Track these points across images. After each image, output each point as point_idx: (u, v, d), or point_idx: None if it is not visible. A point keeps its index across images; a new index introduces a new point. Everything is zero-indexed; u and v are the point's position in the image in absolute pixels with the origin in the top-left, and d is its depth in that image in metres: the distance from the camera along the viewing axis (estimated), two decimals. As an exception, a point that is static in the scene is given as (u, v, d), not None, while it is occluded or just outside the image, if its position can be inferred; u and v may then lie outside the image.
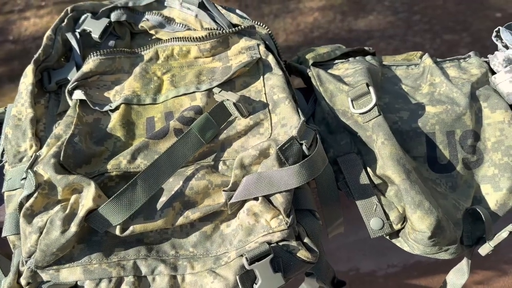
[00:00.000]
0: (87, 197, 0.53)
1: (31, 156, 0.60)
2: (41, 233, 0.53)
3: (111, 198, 0.53)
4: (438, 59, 0.73)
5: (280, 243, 0.54)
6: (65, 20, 0.70)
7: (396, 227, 0.61)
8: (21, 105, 0.64)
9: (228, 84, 0.64)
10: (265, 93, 0.63)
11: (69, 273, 0.54)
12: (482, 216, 0.61)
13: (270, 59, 0.65)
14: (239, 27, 0.67)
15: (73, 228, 0.52)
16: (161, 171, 0.55)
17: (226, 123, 0.61)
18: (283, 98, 0.61)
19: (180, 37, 0.67)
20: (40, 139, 0.63)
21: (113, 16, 0.71)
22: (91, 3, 0.72)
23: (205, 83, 0.64)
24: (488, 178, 0.65)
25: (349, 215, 0.68)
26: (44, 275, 0.53)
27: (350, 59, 0.72)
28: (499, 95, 0.68)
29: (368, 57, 0.73)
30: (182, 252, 0.56)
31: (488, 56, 0.71)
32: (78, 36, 0.69)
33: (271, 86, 0.63)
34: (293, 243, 0.54)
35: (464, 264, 0.66)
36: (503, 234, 0.61)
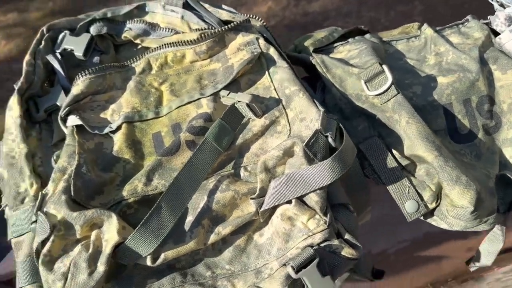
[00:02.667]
0: (110, 231, 0.48)
1: (34, 196, 0.55)
2: (66, 279, 0.48)
3: (137, 228, 0.48)
4: (437, 28, 0.71)
5: (322, 244, 0.51)
6: (43, 42, 0.64)
7: (431, 206, 0.59)
8: (11, 142, 0.58)
9: (233, 85, 0.60)
10: (274, 89, 0.59)
11: None
12: None
13: (272, 52, 0.61)
14: (234, 23, 0.62)
15: (101, 267, 0.47)
16: (184, 189, 0.51)
17: (240, 126, 0.57)
18: (296, 91, 0.58)
19: (172, 43, 0.62)
20: (39, 175, 0.57)
21: (93, 30, 0.66)
22: (67, 19, 0.66)
23: (209, 87, 0.60)
24: (509, 140, 0.63)
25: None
26: None
27: (349, 40, 0.69)
28: (506, 55, 0.66)
29: (368, 36, 0.70)
30: (218, 272, 0.52)
31: (488, 17, 0.69)
32: (59, 57, 0.63)
33: (280, 80, 0.59)
34: (335, 242, 0.51)
35: (498, 231, 0.64)
36: (537, 196, 0.59)
